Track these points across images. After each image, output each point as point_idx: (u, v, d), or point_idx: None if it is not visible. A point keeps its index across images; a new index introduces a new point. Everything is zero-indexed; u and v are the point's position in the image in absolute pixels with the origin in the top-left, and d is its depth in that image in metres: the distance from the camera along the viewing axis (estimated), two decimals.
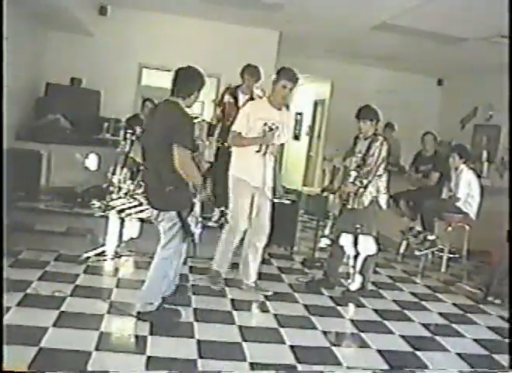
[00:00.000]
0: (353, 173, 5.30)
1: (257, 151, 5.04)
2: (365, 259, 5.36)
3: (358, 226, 5.31)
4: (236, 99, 6.55)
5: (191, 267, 5.78)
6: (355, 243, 5.37)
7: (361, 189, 5.24)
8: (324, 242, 6.80)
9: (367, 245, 5.35)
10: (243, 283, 5.30)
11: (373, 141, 5.26)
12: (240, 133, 5.05)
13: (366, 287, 5.46)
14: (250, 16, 8.52)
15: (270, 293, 5.21)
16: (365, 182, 5.22)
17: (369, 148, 5.25)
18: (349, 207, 5.35)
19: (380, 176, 5.29)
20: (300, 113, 14.36)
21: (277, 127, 5.04)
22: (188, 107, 4.22)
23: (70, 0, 7.15)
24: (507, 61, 5.48)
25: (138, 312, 4.22)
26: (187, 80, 4.21)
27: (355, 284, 5.40)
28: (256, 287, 5.29)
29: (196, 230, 4.18)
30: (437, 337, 4.62)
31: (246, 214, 5.12)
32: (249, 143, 5.03)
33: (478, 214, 6.64)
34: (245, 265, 5.30)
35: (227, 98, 6.60)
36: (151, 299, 4.20)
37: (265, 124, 5.00)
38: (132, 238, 6.17)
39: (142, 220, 6.17)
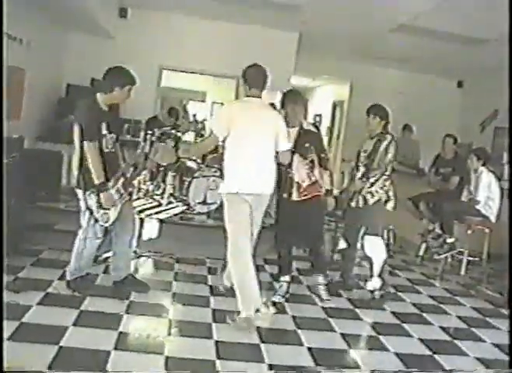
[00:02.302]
0: (360, 171, 5.31)
1: None
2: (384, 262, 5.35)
3: (361, 226, 5.32)
4: None
5: (209, 268, 5.81)
6: (362, 245, 5.38)
7: (366, 188, 5.24)
8: (342, 244, 6.78)
9: (377, 249, 5.33)
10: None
11: (381, 139, 5.23)
12: None
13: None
14: (269, 18, 8.54)
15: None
16: (371, 180, 5.22)
17: (376, 146, 5.22)
18: (353, 205, 5.35)
19: (388, 175, 5.28)
20: (319, 115, 14.36)
21: None
22: (114, 103, 4.57)
23: (91, 2, 7.21)
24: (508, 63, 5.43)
25: (68, 281, 4.65)
26: (108, 77, 4.48)
27: (372, 284, 5.39)
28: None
29: (96, 212, 4.40)
30: (456, 341, 4.59)
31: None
32: None
33: (499, 216, 6.59)
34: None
35: None
36: (70, 269, 4.67)
37: None
38: (151, 239, 6.20)
39: (161, 220, 6.20)
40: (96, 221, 4.47)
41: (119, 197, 4.48)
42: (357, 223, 5.39)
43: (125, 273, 4.81)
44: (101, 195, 4.32)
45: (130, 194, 4.67)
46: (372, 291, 5.42)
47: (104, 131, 4.38)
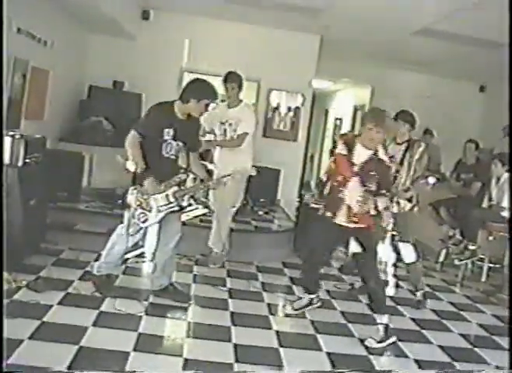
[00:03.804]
0: (402, 178, 5.21)
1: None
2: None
3: (394, 233, 5.25)
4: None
5: (228, 270, 5.82)
6: (396, 250, 5.32)
7: (403, 194, 5.16)
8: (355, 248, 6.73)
9: (406, 253, 5.30)
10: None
11: (416, 146, 5.19)
12: None
13: (424, 301, 5.42)
14: (291, 21, 8.52)
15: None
16: (407, 185, 5.14)
17: (410, 153, 5.17)
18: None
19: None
20: (340, 119, 14.31)
21: (230, 124, 5.94)
22: (196, 115, 4.56)
23: (114, 5, 7.25)
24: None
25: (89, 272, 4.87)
26: (187, 88, 4.55)
27: (391, 290, 5.37)
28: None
29: (134, 209, 4.47)
30: (476, 349, 4.54)
31: None
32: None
33: None
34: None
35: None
36: (98, 263, 4.77)
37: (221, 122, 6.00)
38: None
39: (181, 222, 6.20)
40: (133, 218, 4.49)
41: (166, 204, 4.45)
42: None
43: (167, 281, 4.78)
44: (145, 182, 4.34)
45: (181, 207, 4.61)
46: (391, 297, 5.38)
47: (167, 137, 4.41)
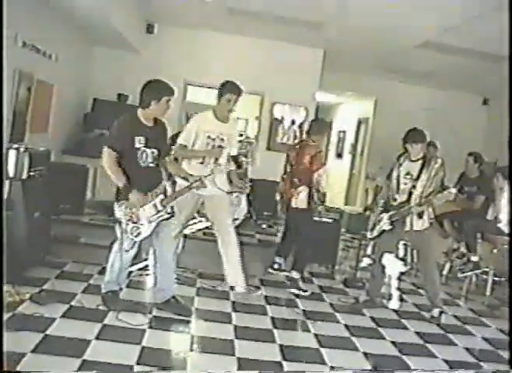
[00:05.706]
0: (406, 193, 5.24)
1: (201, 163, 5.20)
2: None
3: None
4: None
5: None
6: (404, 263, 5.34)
7: (424, 210, 5.20)
8: (366, 262, 6.73)
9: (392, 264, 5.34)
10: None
11: (433, 162, 5.22)
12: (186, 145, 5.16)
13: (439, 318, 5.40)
14: (294, 34, 8.57)
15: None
16: (423, 200, 5.15)
17: (427, 170, 5.19)
18: (407, 228, 5.27)
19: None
20: (343, 131, 14.33)
21: (222, 139, 5.20)
22: (161, 116, 4.49)
23: (118, 19, 7.30)
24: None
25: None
26: (144, 91, 4.41)
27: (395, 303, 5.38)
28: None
29: (125, 224, 4.41)
30: (482, 363, 4.50)
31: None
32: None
33: None
34: None
35: None
36: (104, 281, 4.72)
37: (209, 137, 5.15)
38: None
39: (184, 235, 6.20)
40: (126, 233, 4.43)
41: (155, 213, 4.39)
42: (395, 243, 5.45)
43: (169, 294, 4.75)
44: (130, 196, 4.30)
45: (172, 214, 4.53)
46: (396, 311, 5.37)
47: (139, 145, 4.32)
